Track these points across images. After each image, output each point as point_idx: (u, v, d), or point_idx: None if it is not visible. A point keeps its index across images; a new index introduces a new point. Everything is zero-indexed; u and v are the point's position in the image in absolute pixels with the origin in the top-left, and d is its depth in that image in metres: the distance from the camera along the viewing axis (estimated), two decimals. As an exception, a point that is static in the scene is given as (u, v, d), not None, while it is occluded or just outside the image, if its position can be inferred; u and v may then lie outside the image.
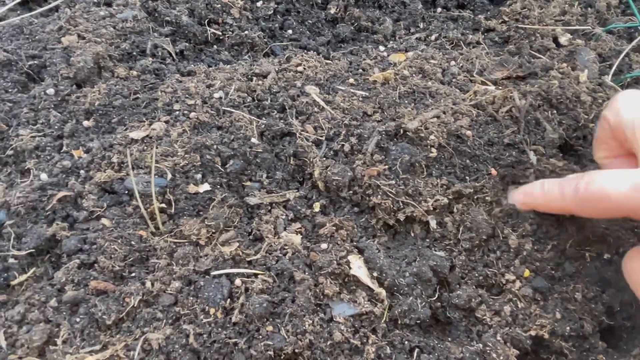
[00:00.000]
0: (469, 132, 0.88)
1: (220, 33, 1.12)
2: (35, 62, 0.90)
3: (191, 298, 0.71)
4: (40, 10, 1.05)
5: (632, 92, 0.73)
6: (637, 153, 0.68)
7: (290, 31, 1.19)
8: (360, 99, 0.94)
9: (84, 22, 0.97)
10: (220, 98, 0.92)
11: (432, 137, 0.85)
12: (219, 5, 1.12)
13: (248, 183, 0.85)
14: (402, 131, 0.87)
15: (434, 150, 0.85)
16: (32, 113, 0.83)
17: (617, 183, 0.62)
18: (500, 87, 0.98)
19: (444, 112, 0.90)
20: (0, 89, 0.85)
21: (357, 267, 0.76)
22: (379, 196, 0.81)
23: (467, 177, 0.85)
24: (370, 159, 0.84)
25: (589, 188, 0.65)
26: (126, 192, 0.77)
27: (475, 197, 0.83)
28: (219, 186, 0.82)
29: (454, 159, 0.85)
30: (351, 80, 1.00)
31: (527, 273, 0.78)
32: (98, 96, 0.85)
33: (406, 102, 0.94)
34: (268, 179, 0.86)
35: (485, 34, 1.20)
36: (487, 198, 0.83)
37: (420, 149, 0.85)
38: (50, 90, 0.85)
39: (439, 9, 1.25)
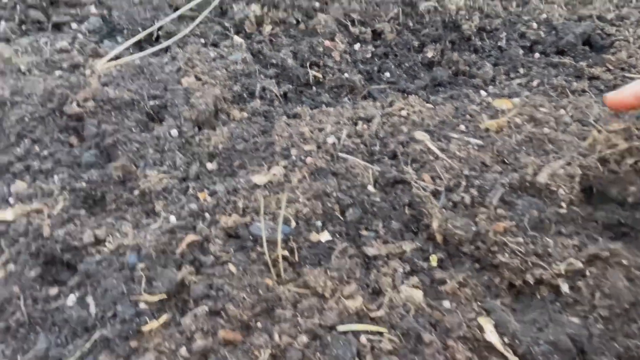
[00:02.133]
0: (599, 187, 0.84)
1: (320, 75, 1.13)
2: (157, 102, 0.93)
3: (319, 354, 0.68)
4: (152, 50, 1.09)
5: None
6: None
7: (387, 74, 1.19)
8: (476, 147, 0.91)
9: (200, 64, 1.00)
10: (334, 144, 0.91)
11: (561, 191, 0.81)
12: (321, 49, 1.14)
13: (364, 232, 0.83)
14: (527, 183, 0.84)
15: (563, 205, 0.81)
16: (158, 154, 0.85)
17: None
18: (621, 139, 0.93)
19: (570, 163, 0.86)
20: (125, 128, 0.88)
21: (489, 332, 0.72)
22: (506, 254, 0.77)
23: (600, 238, 0.80)
24: (494, 213, 0.81)
25: None
26: (250, 237, 0.77)
27: (612, 261, 0.78)
28: (338, 235, 0.80)
29: (587, 216, 0.81)
30: (462, 127, 0.98)
31: (675, 347, 0.71)
32: (222, 139, 0.86)
33: (525, 150, 0.91)
34: (384, 229, 0.84)
35: (590, 81, 1.16)
36: (624, 262, 0.78)
37: (548, 204, 0.81)
38: (174, 132, 0.87)
39: (537, 54, 1.23)
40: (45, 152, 0.83)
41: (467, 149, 0.91)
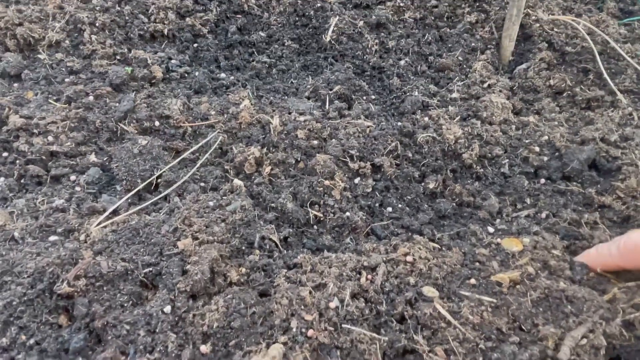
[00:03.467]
0: (627, 356, 0.77)
1: (321, 215, 1.10)
2: (151, 269, 0.90)
3: None
4: (150, 201, 1.07)
5: None
6: None
7: (390, 209, 1.16)
8: (489, 309, 0.85)
9: (197, 220, 0.98)
10: (337, 308, 0.86)
11: (587, 370, 0.74)
12: (321, 188, 1.12)
13: (374, 420, 0.76)
14: (549, 359, 0.76)
15: (592, 389, 0.74)
16: (149, 337, 0.80)
17: None
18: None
19: (593, 330, 0.80)
20: (117, 306, 0.83)
21: None
22: None
23: None
24: (516, 398, 0.73)
25: (626, 243, 0.87)
26: None
27: None
28: None
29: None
30: (472, 281, 0.92)
31: None
32: (216, 316, 0.81)
33: (542, 312, 0.84)
34: (396, 415, 0.76)
35: (600, 210, 1.12)
36: None
37: (576, 388, 0.74)
38: (167, 308, 0.83)
39: (543, 180, 1.20)
40: (32, 341, 0.79)
41: (481, 311, 0.85)
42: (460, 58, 1.50)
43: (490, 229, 1.09)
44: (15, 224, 0.97)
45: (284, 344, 0.80)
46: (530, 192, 1.17)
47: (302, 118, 1.24)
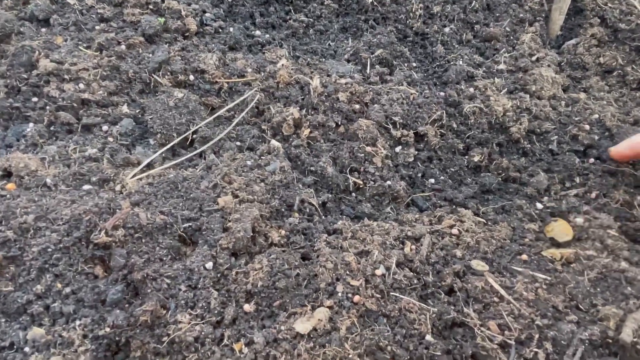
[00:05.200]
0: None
1: (361, 182, 1.06)
2: (190, 225, 0.86)
3: None
4: (186, 156, 1.03)
5: None
6: None
7: (432, 180, 1.11)
8: (544, 286, 0.81)
9: (237, 177, 0.94)
10: (383, 276, 0.82)
11: (653, 354, 0.70)
12: (362, 155, 1.07)
13: (422, 392, 0.73)
14: (609, 340, 0.73)
15: (658, 373, 0.70)
16: (191, 293, 0.76)
17: None
18: None
19: (655, 315, 0.76)
20: (156, 260, 0.80)
21: None
22: None
23: None
24: (575, 378, 0.70)
25: None
26: (295, 406, 0.66)
27: None
28: (394, 399, 0.70)
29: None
30: (524, 257, 0.88)
31: None
32: (260, 275, 0.77)
33: (601, 292, 0.80)
34: (445, 388, 0.73)
35: (655, 193, 1.07)
36: None
37: (640, 370, 0.70)
38: (209, 265, 0.79)
39: (592, 159, 1.14)
40: (68, 290, 0.75)
41: (535, 287, 0.81)
42: (507, 29, 1.43)
43: (539, 206, 1.04)
44: (47, 171, 0.93)
45: (330, 307, 0.77)
46: (579, 170, 1.12)
47: (343, 80, 1.18)
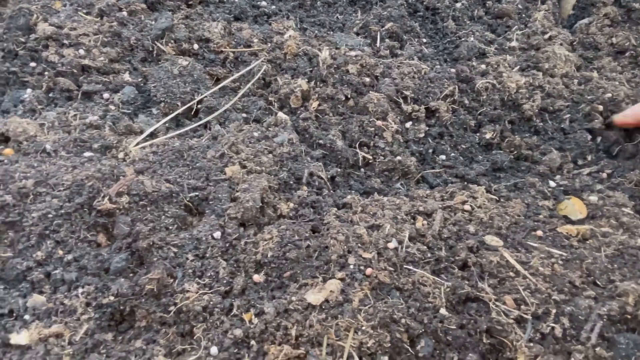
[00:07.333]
0: None
1: (370, 157, 1.03)
2: (197, 194, 0.82)
3: None
4: (191, 126, 0.99)
5: None
6: None
7: (443, 156, 1.09)
8: (560, 261, 0.80)
9: (244, 148, 0.90)
10: (396, 249, 0.80)
11: (673, 330, 0.69)
12: (372, 129, 1.04)
13: (436, 366, 0.71)
14: (628, 316, 0.71)
15: (678, 349, 0.68)
16: (199, 262, 0.73)
17: None
18: None
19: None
20: (162, 228, 0.77)
21: None
22: (613, 408, 0.64)
23: None
24: (593, 353, 0.68)
25: None
26: (306, 377, 0.64)
27: None
28: (408, 372, 0.68)
29: None
30: (539, 232, 0.86)
31: None
32: (270, 245, 0.75)
33: (618, 268, 0.79)
34: (459, 362, 0.71)
35: (669, 173, 1.05)
36: None
37: (659, 346, 0.68)
38: (217, 234, 0.76)
39: (600, 138, 1.12)
40: (70, 257, 0.72)
41: (551, 263, 0.79)
42: (519, 6, 1.39)
43: (552, 184, 1.02)
44: (47, 136, 0.90)
45: (342, 279, 0.74)
46: (592, 149, 1.10)
47: (352, 53, 1.14)
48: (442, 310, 0.73)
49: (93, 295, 0.69)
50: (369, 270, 0.76)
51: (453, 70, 1.20)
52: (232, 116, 1.03)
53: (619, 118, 1.10)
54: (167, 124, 1.01)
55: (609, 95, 1.19)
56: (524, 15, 1.39)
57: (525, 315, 0.73)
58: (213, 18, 1.22)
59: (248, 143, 0.94)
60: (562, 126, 1.15)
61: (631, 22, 1.40)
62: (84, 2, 1.17)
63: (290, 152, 0.95)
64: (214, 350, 0.65)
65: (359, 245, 0.79)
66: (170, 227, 0.78)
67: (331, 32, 1.28)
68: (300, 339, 0.67)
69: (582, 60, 1.33)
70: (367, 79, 1.10)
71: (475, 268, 0.80)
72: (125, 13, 1.15)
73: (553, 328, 0.71)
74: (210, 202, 0.82)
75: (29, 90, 1.00)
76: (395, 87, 1.10)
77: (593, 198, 0.95)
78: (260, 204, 0.81)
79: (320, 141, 1.01)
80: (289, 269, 0.75)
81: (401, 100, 1.10)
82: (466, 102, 1.14)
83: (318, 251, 0.78)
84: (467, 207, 0.93)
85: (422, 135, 1.09)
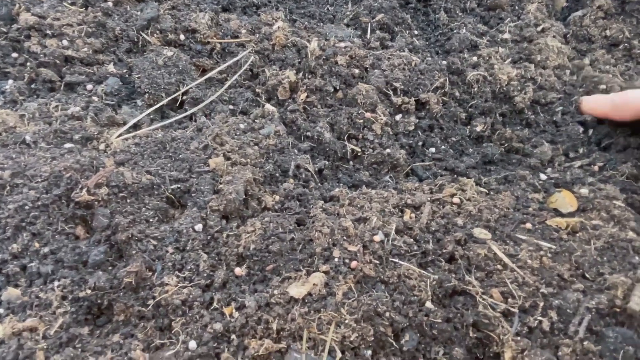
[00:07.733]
0: None
1: (359, 150, 1.01)
2: (179, 186, 0.81)
3: None
4: (175, 118, 0.98)
5: None
6: None
7: (433, 149, 1.07)
8: (549, 254, 0.78)
9: (229, 139, 0.89)
10: (382, 242, 0.78)
11: (662, 324, 0.68)
12: (361, 121, 1.02)
13: (421, 361, 0.69)
14: (617, 309, 0.70)
15: (667, 343, 0.67)
16: (179, 255, 0.72)
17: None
18: None
19: (665, 285, 0.73)
20: (142, 221, 0.75)
21: None
22: (600, 403, 0.63)
23: None
24: (581, 347, 0.67)
25: (621, 97, 1.03)
26: (287, 371, 0.63)
27: None
28: (392, 367, 0.66)
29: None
30: (528, 225, 0.85)
31: None
32: (253, 238, 0.73)
33: (608, 261, 0.77)
34: (445, 357, 0.70)
35: (661, 166, 1.03)
36: None
37: (648, 340, 0.67)
38: (198, 227, 0.75)
39: (591, 130, 1.11)
40: (46, 249, 0.71)
41: (540, 256, 0.78)
42: (512, -2, 1.38)
43: (543, 176, 1.01)
44: (27, 127, 0.88)
45: (326, 273, 0.73)
46: (584, 142, 1.08)
47: (342, 44, 1.13)
48: (428, 304, 0.72)
49: (69, 289, 0.67)
50: (354, 264, 0.74)
51: (444, 62, 1.18)
52: (218, 108, 1.01)
53: (586, 105, 1.10)
54: (151, 116, 0.99)
55: (603, 87, 1.17)
56: (517, 7, 1.37)
57: (512, 309, 0.71)
58: (200, 9, 1.20)
59: (233, 135, 0.92)
60: (554, 119, 1.13)
61: (625, 15, 1.38)
62: (69, -8, 1.15)
63: (276, 144, 0.94)
64: (192, 344, 0.63)
65: (345, 238, 0.78)
66: (151, 220, 0.77)
67: (321, 24, 1.26)
68: (281, 333, 0.66)
69: (575, 53, 1.32)
70: (357, 71, 1.08)
71: (463, 261, 0.78)
72: (110, 3, 1.13)
73: (540, 322, 0.70)
74: (193, 194, 0.80)
75: (10, 81, 0.98)
76: (385, 78, 1.08)
77: (584, 191, 0.93)
78: (244, 197, 0.80)
79: (308, 133, 1.00)
80: (271, 262, 0.73)
81: (391, 92, 1.08)
82: (457, 94, 1.12)
83: (302, 244, 0.76)
84: (456, 199, 0.91)
85: (411, 127, 1.07)
